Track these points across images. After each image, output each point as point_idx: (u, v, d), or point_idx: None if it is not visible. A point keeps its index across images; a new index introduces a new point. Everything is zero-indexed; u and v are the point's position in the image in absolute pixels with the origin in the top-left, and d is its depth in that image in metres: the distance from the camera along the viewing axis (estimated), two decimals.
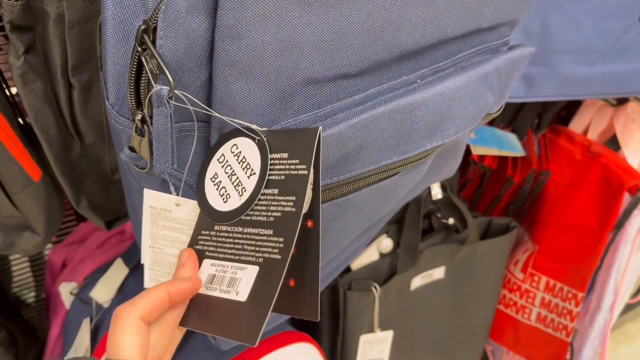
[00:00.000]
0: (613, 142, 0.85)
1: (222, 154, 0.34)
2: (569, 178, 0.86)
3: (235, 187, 0.34)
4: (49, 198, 0.50)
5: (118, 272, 0.66)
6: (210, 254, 0.34)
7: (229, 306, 0.31)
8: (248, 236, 0.33)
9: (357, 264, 0.76)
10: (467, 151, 0.90)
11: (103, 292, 0.65)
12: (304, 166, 0.32)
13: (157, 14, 0.29)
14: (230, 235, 0.33)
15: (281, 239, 0.31)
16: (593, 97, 0.62)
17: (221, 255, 0.34)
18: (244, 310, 0.31)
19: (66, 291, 0.69)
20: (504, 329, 0.95)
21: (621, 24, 0.56)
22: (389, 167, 0.39)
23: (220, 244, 0.34)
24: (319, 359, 0.72)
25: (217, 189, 0.34)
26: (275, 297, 0.30)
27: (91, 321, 0.63)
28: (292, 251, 0.31)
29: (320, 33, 0.33)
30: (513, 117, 0.94)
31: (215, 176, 0.35)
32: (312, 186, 0.32)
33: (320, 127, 0.33)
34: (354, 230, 0.45)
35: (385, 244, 0.77)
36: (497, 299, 0.91)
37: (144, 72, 0.31)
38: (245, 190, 0.33)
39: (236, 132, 0.34)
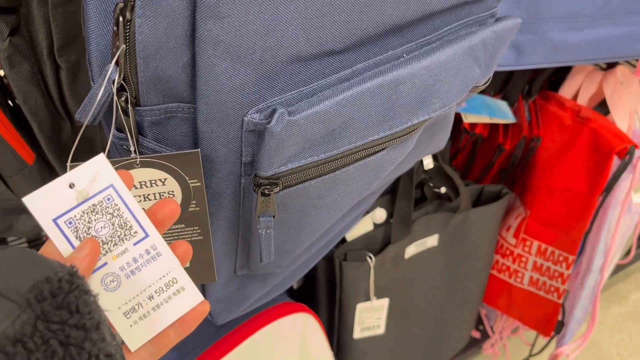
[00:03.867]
0: (602, 107, 0.86)
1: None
2: (559, 143, 0.86)
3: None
4: (43, 180, 0.51)
5: None
6: None
7: None
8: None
9: (352, 235, 0.77)
10: (458, 120, 0.90)
11: None
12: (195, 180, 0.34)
13: None
14: None
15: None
16: (582, 63, 0.62)
17: None
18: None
19: None
20: (498, 293, 0.97)
21: None
22: (376, 143, 0.39)
23: None
24: (317, 328, 0.73)
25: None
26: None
27: None
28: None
29: (304, 10, 0.33)
30: (503, 84, 0.94)
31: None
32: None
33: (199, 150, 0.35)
34: (344, 205, 0.45)
35: (379, 214, 0.78)
36: (490, 265, 0.93)
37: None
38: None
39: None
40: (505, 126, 0.94)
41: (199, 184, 0.35)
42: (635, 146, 0.77)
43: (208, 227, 0.38)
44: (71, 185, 0.29)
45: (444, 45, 0.41)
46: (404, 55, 0.41)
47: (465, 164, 0.98)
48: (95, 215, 0.29)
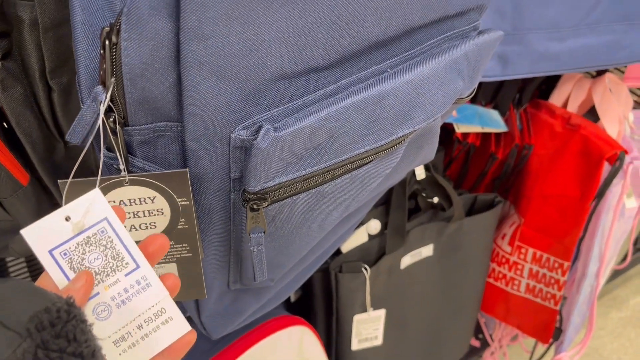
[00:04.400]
0: (592, 114, 0.87)
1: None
2: (551, 151, 0.87)
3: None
4: (38, 200, 0.51)
5: None
6: None
7: None
8: None
9: (347, 246, 0.78)
10: (451, 129, 0.91)
11: None
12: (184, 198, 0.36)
13: (121, 16, 0.30)
14: None
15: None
16: (567, 71, 0.63)
17: None
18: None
19: None
20: (495, 301, 0.98)
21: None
22: (362, 156, 0.40)
23: None
24: (315, 341, 0.74)
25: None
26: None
27: None
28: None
29: (286, 30, 0.34)
30: (494, 93, 0.95)
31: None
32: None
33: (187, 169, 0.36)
34: (334, 217, 0.46)
35: (374, 225, 0.78)
36: (486, 273, 0.93)
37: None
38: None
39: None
40: (498, 135, 0.95)
41: (188, 202, 0.36)
42: (625, 152, 0.78)
43: (197, 244, 0.39)
44: (67, 218, 0.30)
45: (427, 59, 0.42)
46: (388, 69, 0.41)
47: (459, 173, 0.99)
48: (89, 247, 0.31)
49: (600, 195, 0.80)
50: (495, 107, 0.98)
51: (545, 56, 0.59)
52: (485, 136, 0.96)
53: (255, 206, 0.38)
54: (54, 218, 0.30)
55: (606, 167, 0.79)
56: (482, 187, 0.97)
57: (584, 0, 0.57)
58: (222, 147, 0.36)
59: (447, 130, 0.94)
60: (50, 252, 0.30)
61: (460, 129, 0.91)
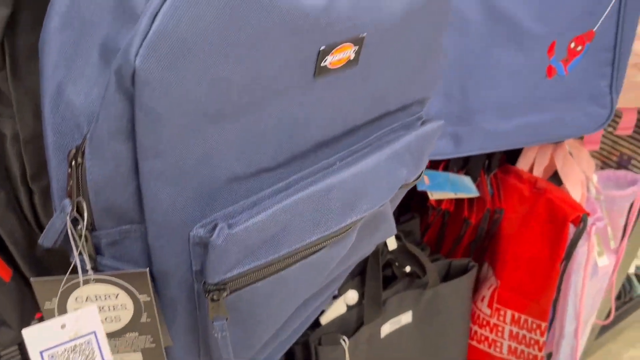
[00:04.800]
0: (556, 177, 0.91)
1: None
2: (520, 214, 0.91)
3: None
4: (20, 294, 0.54)
5: None
6: None
7: None
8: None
9: (326, 317, 0.80)
10: (425, 197, 0.96)
11: None
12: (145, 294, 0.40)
13: (85, 141, 0.35)
14: None
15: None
16: (518, 146, 0.67)
17: None
18: None
19: None
20: None
21: (531, 80, 0.62)
22: (314, 244, 0.44)
23: None
24: None
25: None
26: None
27: None
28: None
29: (235, 140, 0.38)
30: (465, 160, 1.00)
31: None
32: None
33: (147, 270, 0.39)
34: (297, 299, 0.49)
35: (351, 295, 0.81)
36: (467, 335, 0.95)
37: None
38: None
39: None
40: (470, 200, 0.99)
41: (149, 298, 0.39)
42: (588, 214, 0.82)
43: (159, 336, 0.42)
44: (63, 326, 0.35)
45: (371, 152, 0.46)
46: (337, 162, 0.46)
47: (436, 238, 1.02)
48: (73, 354, 0.36)
49: (568, 256, 0.83)
50: (466, 173, 1.02)
51: (494, 134, 0.63)
52: (458, 202, 1.00)
53: (215, 297, 0.41)
54: (52, 324, 0.36)
55: (572, 229, 0.83)
56: (460, 251, 1.00)
57: (526, 82, 0.62)
58: (182, 245, 0.40)
59: (422, 197, 0.98)
60: (41, 352, 0.35)
61: (433, 195, 0.95)
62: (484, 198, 0.96)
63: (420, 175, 0.52)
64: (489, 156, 0.98)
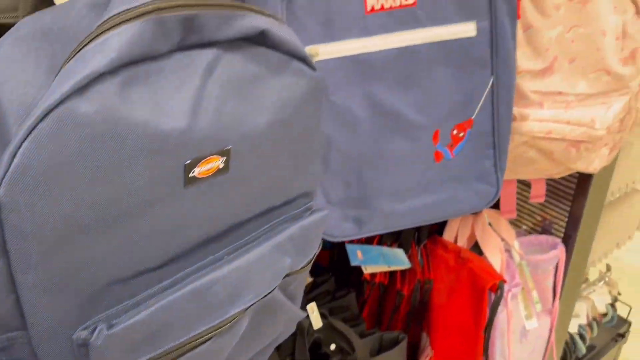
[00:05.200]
0: (478, 246, 0.96)
1: None
2: (447, 284, 0.95)
3: None
4: None
5: None
6: None
7: None
8: None
9: None
10: (360, 272, 1.00)
11: None
12: None
13: None
14: None
15: None
16: (416, 224, 0.72)
17: None
18: None
19: None
20: None
21: (420, 165, 0.68)
22: (200, 335, 0.47)
23: None
24: None
25: None
26: None
27: None
28: None
29: (110, 248, 0.42)
30: (397, 233, 1.05)
31: None
32: None
33: None
34: None
35: None
36: None
37: None
38: None
39: None
40: (403, 272, 1.03)
41: None
42: (504, 281, 0.86)
43: None
44: None
45: (258, 244, 0.51)
46: (225, 256, 0.50)
47: (375, 312, 1.05)
48: None
49: (490, 322, 0.86)
50: (399, 246, 1.07)
51: (392, 215, 0.69)
52: (392, 274, 1.04)
53: None
54: None
55: (491, 296, 0.87)
56: (399, 322, 1.03)
57: (415, 167, 0.68)
58: (66, 347, 0.42)
59: (358, 272, 1.02)
60: None
61: (367, 270, 0.99)
62: (415, 269, 1.00)
63: (310, 262, 0.56)
64: (418, 229, 1.03)
